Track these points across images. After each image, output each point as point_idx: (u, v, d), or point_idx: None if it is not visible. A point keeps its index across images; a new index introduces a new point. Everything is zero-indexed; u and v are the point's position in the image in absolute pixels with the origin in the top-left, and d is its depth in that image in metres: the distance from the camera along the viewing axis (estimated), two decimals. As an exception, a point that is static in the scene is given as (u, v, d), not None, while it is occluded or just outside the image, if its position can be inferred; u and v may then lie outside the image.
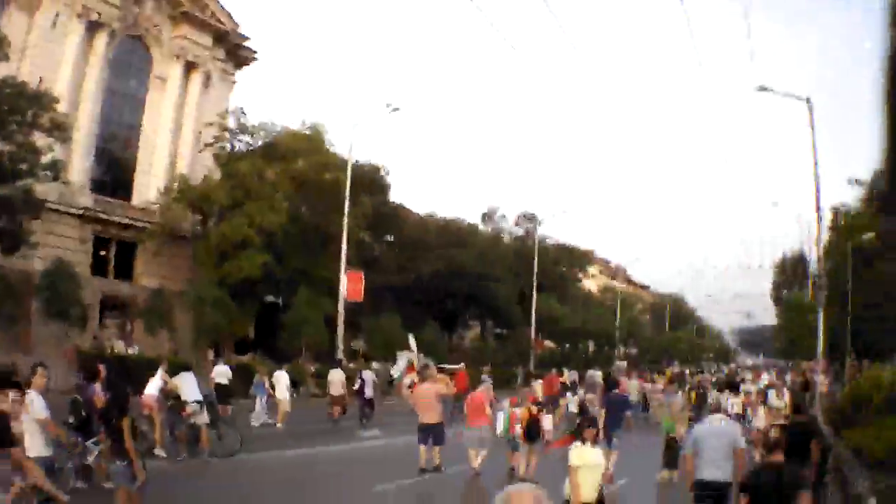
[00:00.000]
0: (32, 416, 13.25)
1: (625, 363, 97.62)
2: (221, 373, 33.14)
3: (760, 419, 21.16)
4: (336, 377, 35.49)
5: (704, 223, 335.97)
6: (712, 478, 13.66)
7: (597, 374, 48.57)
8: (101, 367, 19.42)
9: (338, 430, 32.92)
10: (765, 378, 46.66)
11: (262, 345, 61.25)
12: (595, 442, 13.51)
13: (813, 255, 48.23)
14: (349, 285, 52.99)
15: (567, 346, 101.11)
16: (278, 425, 32.75)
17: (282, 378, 34.19)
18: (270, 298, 61.01)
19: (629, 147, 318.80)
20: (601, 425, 18.13)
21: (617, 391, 27.66)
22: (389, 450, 28.07)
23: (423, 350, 58.72)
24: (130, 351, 47.69)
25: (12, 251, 44.25)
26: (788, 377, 52.91)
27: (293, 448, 27.00)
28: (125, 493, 13.11)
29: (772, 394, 30.01)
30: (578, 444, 13.28)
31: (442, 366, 52.06)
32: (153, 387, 23.58)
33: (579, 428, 14.01)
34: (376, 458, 26.66)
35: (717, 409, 16.54)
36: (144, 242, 57.14)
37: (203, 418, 22.67)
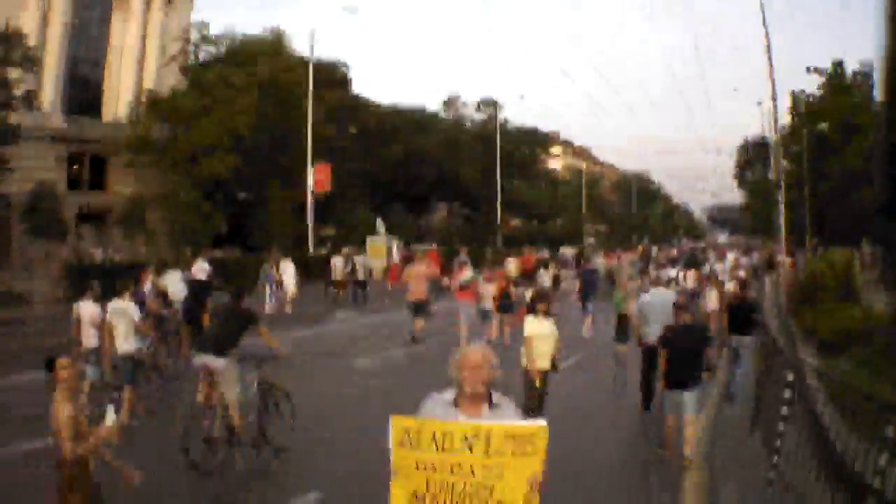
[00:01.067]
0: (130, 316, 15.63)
1: (593, 240, 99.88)
2: (200, 269, 35.12)
3: (712, 301, 22.50)
4: (339, 263, 39.78)
5: (668, 105, 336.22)
6: (654, 338, 15.29)
7: (567, 252, 51.14)
8: (148, 271, 22.27)
9: (340, 307, 36.54)
10: (729, 257, 47.77)
11: (235, 240, 62.94)
12: (547, 314, 14.75)
13: (772, 138, 49.66)
14: (317, 177, 54.28)
15: (535, 222, 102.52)
16: (287, 310, 35.15)
17: (288, 268, 36.53)
18: (242, 195, 62.32)
19: (590, 30, 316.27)
20: (578, 293, 20.52)
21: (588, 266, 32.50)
22: (386, 324, 30.80)
23: (391, 232, 60.75)
24: (117, 257, 48.96)
25: (-9, 178, 46.06)
26: (755, 255, 54.25)
27: (301, 330, 28.65)
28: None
29: (727, 276, 31.00)
30: (531, 316, 14.70)
31: (412, 247, 54.33)
32: (144, 289, 23.57)
33: (532, 302, 15.59)
34: (379, 331, 29.25)
35: (658, 282, 19.30)
36: (117, 155, 58.29)
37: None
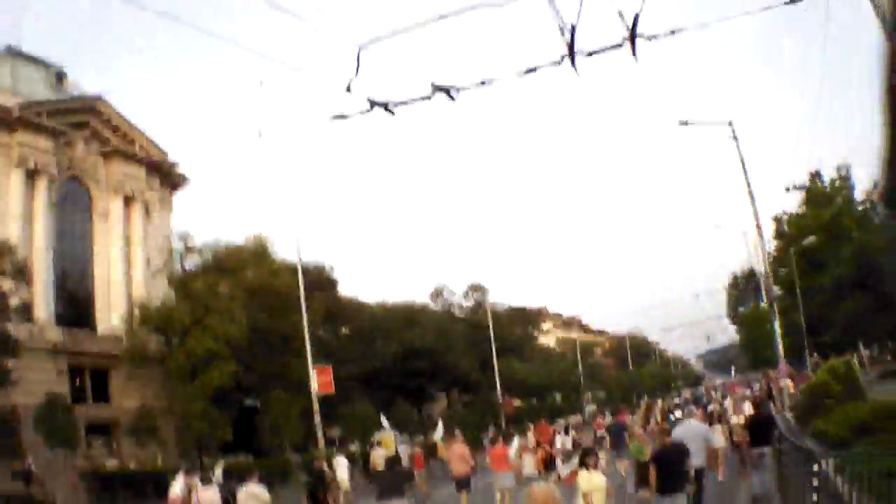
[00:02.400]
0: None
1: (594, 407, 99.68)
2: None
3: (719, 438, 23.29)
4: (380, 455, 39.18)
5: (652, 260, 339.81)
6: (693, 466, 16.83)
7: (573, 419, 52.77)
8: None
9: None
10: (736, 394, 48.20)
11: (241, 446, 62.97)
12: (597, 467, 15.57)
13: (760, 267, 50.30)
14: (319, 380, 54.67)
15: (535, 400, 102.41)
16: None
17: (342, 462, 36.62)
18: (249, 402, 62.62)
19: (565, 202, 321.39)
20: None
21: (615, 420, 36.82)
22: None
23: (396, 426, 60.79)
24: (131, 465, 49.14)
25: (-2, 390, 46.19)
26: (755, 387, 54.34)
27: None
28: None
29: (729, 410, 31.32)
30: (584, 471, 15.25)
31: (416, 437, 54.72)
32: (176, 487, 25.17)
33: (583, 458, 15.95)
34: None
35: (690, 414, 20.78)
36: (116, 368, 58.85)
37: None
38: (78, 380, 58.69)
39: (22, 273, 45.25)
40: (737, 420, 24.61)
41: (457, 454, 28.89)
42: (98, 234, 62.31)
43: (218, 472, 35.67)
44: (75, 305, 61.72)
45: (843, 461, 13.75)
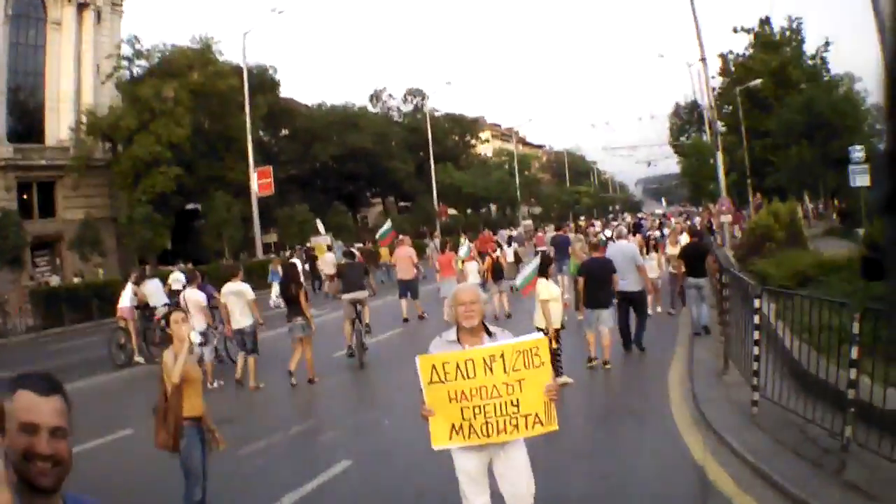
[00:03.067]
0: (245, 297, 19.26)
1: (530, 222, 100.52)
2: (176, 279, 36.57)
3: (653, 268, 23.52)
4: (330, 258, 41.40)
5: (594, 79, 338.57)
6: (624, 288, 18.25)
7: (522, 229, 54.37)
8: (198, 274, 23.51)
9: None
10: (672, 224, 48.58)
11: (180, 253, 63.15)
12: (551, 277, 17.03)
13: (705, 100, 50.19)
14: (259, 181, 54.59)
15: (469, 211, 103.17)
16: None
17: (330, 259, 38.58)
18: (191, 206, 62.50)
19: (512, 12, 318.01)
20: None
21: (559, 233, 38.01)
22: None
23: (332, 231, 61.14)
24: (75, 281, 49.07)
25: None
26: (696, 221, 54.88)
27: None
28: (307, 339, 18.55)
29: (668, 241, 31.47)
30: (544, 280, 16.19)
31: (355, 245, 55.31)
32: (126, 299, 24.90)
33: (542, 268, 16.80)
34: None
35: (620, 236, 24.16)
36: (63, 179, 58.51)
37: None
38: (25, 195, 58.38)
39: None
40: (672, 251, 24.72)
41: (404, 257, 29.54)
42: (51, 44, 60.74)
43: (178, 275, 36.38)
44: (27, 119, 60.70)
45: (783, 306, 14.33)
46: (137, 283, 25.93)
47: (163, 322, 23.07)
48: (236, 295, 19.02)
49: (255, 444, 12.93)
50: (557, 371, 14.10)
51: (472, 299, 6.60)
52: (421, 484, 9.94)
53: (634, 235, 32.99)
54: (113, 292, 37.38)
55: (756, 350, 11.45)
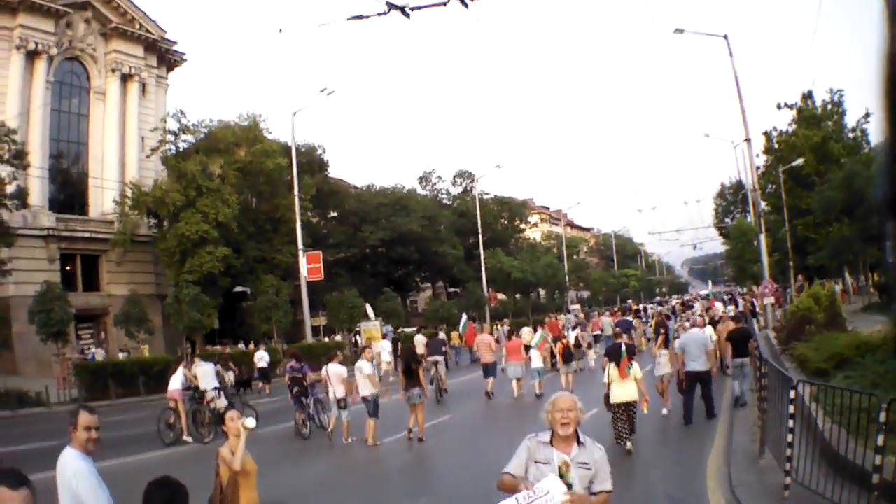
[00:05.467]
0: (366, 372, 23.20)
1: (578, 307, 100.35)
2: (261, 358, 42.33)
3: (664, 365, 24.43)
4: (422, 340, 41.32)
5: (641, 162, 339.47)
6: (695, 368, 20.84)
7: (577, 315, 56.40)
8: (297, 353, 27.50)
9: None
10: (717, 307, 48.90)
11: (226, 334, 63.42)
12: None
13: (749, 180, 50.28)
14: (308, 266, 54.74)
15: (518, 296, 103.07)
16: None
17: (385, 346, 39.56)
18: (239, 288, 62.45)
19: (559, 97, 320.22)
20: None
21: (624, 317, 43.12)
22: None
23: (382, 316, 61.31)
24: (120, 356, 49.45)
25: (-10, 281, 46.14)
26: (740, 302, 54.95)
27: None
28: (422, 405, 22.05)
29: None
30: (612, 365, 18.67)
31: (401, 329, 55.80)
32: (176, 381, 25.42)
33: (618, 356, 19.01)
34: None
35: (694, 325, 24.61)
36: (107, 252, 59.11)
37: (222, 402, 24.48)
38: (69, 267, 58.84)
39: (20, 157, 44.66)
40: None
41: (485, 343, 33.61)
42: (94, 114, 61.76)
43: (262, 353, 41.75)
44: (69, 189, 61.56)
45: (819, 391, 14.59)
46: (188, 365, 26.58)
47: (213, 404, 23.94)
48: (359, 371, 22.71)
49: None
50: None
51: (570, 407, 6.71)
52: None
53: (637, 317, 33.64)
54: (159, 370, 37.94)
55: (790, 437, 11.66)
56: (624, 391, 18.37)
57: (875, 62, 1.99)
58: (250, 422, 9.09)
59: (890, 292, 44.84)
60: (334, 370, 23.20)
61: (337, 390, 22.80)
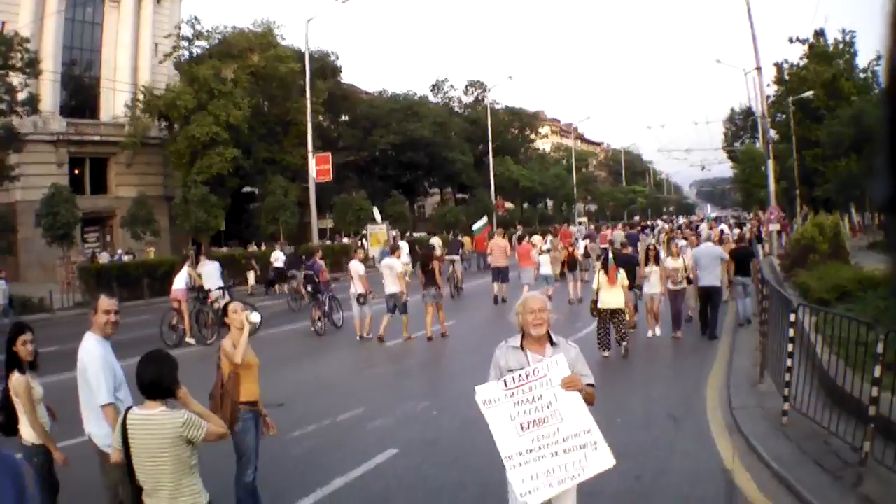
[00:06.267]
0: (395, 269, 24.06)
1: (585, 219, 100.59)
2: (278, 257, 42.72)
3: (653, 285, 24.42)
4: (438, 242, 42.61)
5: (652, 81, 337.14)
6: (707, 283, 21.57)
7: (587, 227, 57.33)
8: (317, 250, 29.93)
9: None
10: (721, 227, 49.40)
11: (233, 236, 63.66)
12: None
13: (759, 108, 50.19)
14: (318, 167, 54.68)
15: (525, 205, 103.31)
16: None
17: (404, 247, 39.29)
18: (247, 189, 62.91)
19: (574, 11, 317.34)
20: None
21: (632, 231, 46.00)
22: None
23: (389, 220, 61.48)
24: (125, 259, 49.91)
25: (-2, 185, 46.42)
26: (746, 229, 55.32)
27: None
28: (439, 306, 23.75)
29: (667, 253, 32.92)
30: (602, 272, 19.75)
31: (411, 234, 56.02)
32: (181, 281, 25.60)
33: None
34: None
35: (708, 239, 27.56)
36: (116, 155, 59.36)
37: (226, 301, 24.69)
38: (77, 170, 59.07)
39: (32, 66, 44.51)
40: (674, 264, 26.25)
41: (500, 246, 34.11)
42: (108, 22, 61.58)
43: (278, 254, 42.72)
44: (81, 95, 61.63)
45: (819, 320, 14.73)
46: (193, 265, 26.92)
47: (217, 304, 23.94)
48: (389, 268, 23.65)
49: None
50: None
51: (542, 307, 6.72)
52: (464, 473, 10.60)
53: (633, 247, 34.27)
54: (164, 272, 38.07)
55: (789, 362, 11.84)
56: (611, 297, 19.32)
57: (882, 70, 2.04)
58: (255, 316, 9.16)
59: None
60: (354, 267, 24.57)
61: (357, 286, 24.10)
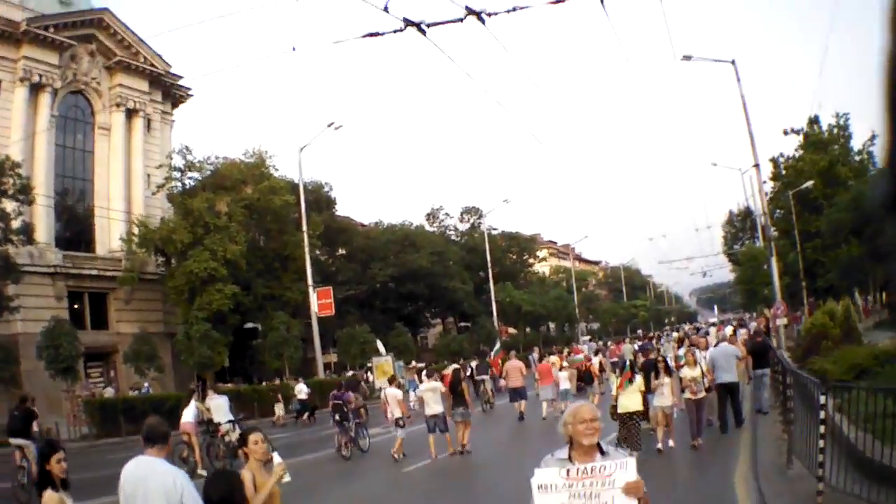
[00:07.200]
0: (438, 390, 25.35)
1: (588, 338, 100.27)
2: (301, 390, 44.18)
3: (666, 396, 23.87)
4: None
5: (648, 193, 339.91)
6: (726, 380, 21.91)
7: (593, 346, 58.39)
8: (340, 383, 31.99)
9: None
10: (727, 330, 49.22)
11: (237, 372, 63.21)
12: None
13: (758, 205, 50.55)
14: (319, 302, 54.63)
15: (528, 329, 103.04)
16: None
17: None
18: (249, 325, 62.25)
19: (566, 130, 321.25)
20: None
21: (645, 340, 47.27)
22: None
23: (394, 352, 61.19)
24: (130, 393, 49.29)
25: (-3, 317, 46.09)
26: (752, 326, 55.23)
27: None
28: (467, 423, 24.61)
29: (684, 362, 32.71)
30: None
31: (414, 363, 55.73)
32: (189, 414, 25.30)
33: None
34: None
35: (723, 339, 28.18)
36: (115, 290, 58.94)
37: (236, 435, 24.46)
38: (76, 304, 58.56)
39: (26, 192, 44.50)
40: (691, 373, 26.18)
41: (516, 367, 35.25)
42: (99, 150, 61.58)
43: (302, 386, 44.04)
44: (75, 225, 61.41)
45: (844, 401, 14.45)
46: (200, 399, 26.67)
47: (228, 437, 23.78)
48: (432, 391, 24.63)
49: None
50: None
51: (594, 416, 6.41)
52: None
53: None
54: (170, 407, 37.75)
55: (821, 443, 11.53)
56: (628, 401, 19.24)
57: (878, 69, 1.83)
58: (283, 471, 8.78)
59: None
60: (392, 393, 26.18)
61: (395, 411, 25.35)
